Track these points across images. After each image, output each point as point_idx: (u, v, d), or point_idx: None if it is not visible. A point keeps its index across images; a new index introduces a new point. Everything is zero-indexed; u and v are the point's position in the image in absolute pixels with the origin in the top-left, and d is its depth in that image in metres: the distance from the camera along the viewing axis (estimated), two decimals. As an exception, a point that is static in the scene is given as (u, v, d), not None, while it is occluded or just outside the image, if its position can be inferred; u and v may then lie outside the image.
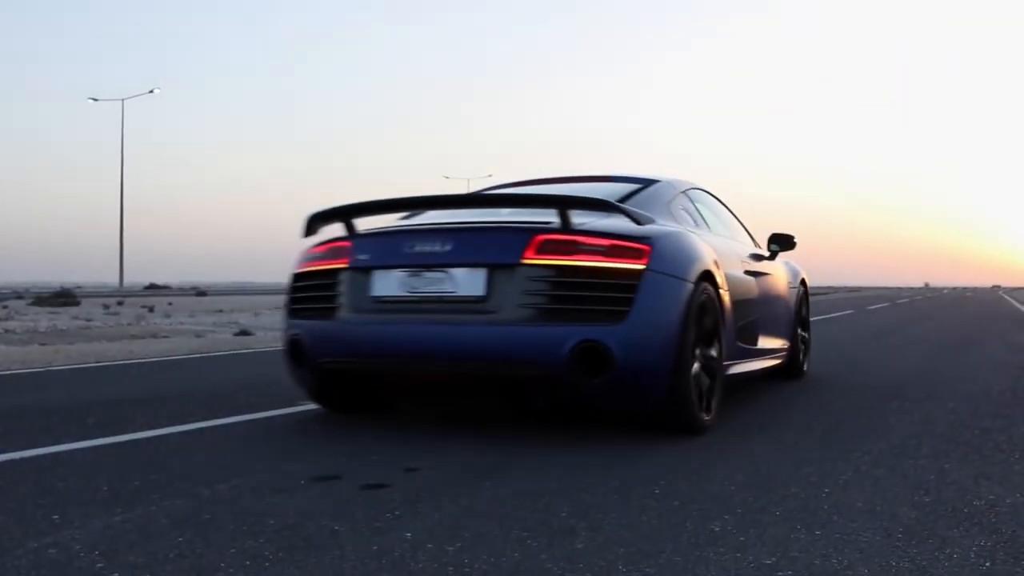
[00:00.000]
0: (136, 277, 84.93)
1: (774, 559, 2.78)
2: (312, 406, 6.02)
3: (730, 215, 7.33)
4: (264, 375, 8.34)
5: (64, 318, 22.57)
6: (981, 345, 12.57)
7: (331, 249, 5.31)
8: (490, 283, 4.72)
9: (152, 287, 70.48)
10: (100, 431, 5.14)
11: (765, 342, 6.68)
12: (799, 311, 8.02)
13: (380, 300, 5.01)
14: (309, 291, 5.38)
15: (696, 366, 4.98)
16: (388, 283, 5.00)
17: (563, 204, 4.76)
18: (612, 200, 5.06)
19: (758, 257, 7.01)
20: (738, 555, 2.82)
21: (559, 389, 4.71)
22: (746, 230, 7.54)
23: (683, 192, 6.25)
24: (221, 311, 28.26)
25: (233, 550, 2.88)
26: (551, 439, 4.90)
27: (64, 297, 34.70)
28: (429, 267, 4.87)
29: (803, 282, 8.32)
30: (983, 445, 4.73)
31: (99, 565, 2.75)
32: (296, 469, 4.10)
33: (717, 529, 3.11)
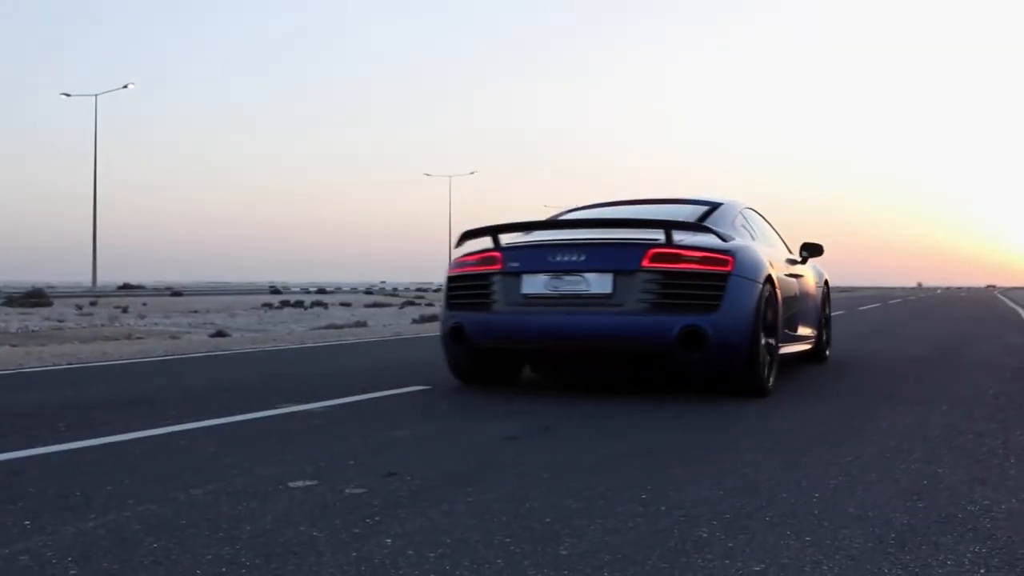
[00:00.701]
0: (110, 277, 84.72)
1: (763, 566, 2.79)
2: (289, 409, 6.02)
3: (771, 228, 9.06)
4: (240, 377, 8.33)
5: (36, 319, 22.52)
6: (976, 346, 12.62)
7: (484, 258, 7.12)
8: (616, 284, 6.57)
9: (126, 287, 70.33)
10: (73, 434, 5.12)
11: (802, 330, 8.67)
12: (824, 306, 10.10)
13: (528, 297, 6.84)
14: (466, 289, 7.20)
15: (762, 346, 6.77)
16: (535, 284, 6.82)
17: (668, 226, 6.65)
18: (700, 222, 7.13)
19: (793, 262, 8.77)
20: (726, 562, 2.83)
21: (668, 361, 6.58)
22: (782, 240, 9.24)
23: (740, 211, 8.05)
24: (196, 312, 28.22)
25: (209, 557, 2.88)
26: (534, 443, 4.92)
27: (36, 297, 34.61)
28: (568, 272, 6.70)
29: (826, 283, 10.45)
30: (977, 449, 4.75)
31: (72, 572, 2.74)
32: (273, 473, 4.10)
33: (704, 535, 3.11)
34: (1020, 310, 28.64)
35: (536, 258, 6.91)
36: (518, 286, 6.89)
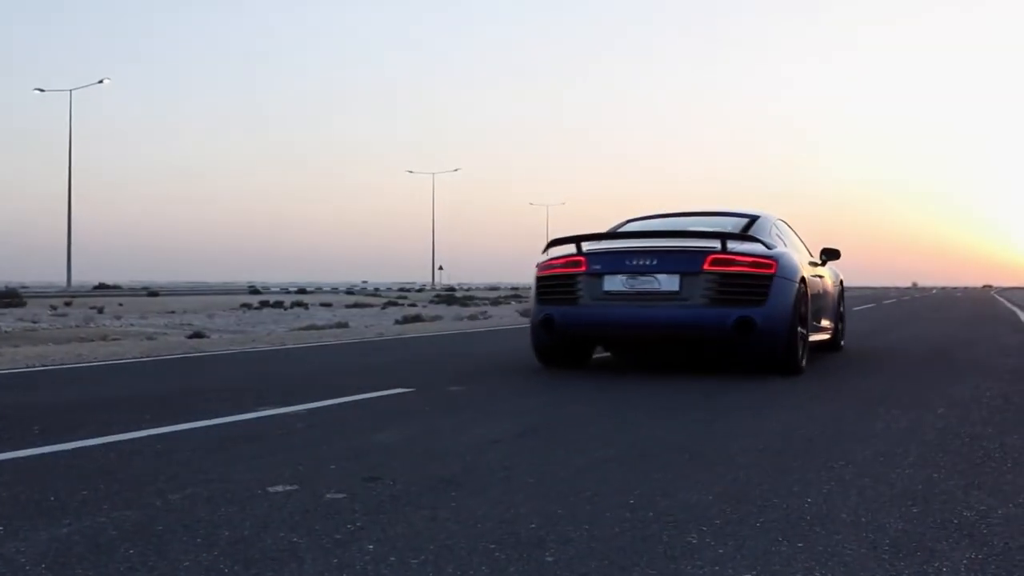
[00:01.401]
0: (85, 277, 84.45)
1: (754, 573, 2.80)
2: (268, 412, 6.01)
3: (796, 236, 10.85)
4: (218, 380, 8.31)
5: (8, 319, 22.43)
6: (972, 347, 12.64)
7: (570, 261, 8.95)
8: (682, 283, 8.42)
9: (101, 287, 70.10)
10: (47, 438, 5.10)
11: (823, 323, 10.69)
12: (839, 303, 12.19)
13: (609, 293, 8.70)
14: (555, 287, 9.03)
15: (798, 333, 8.63)
16: (615, 283, 8.68)
17: (722, 236, 8.57)
18: (746, 233, 9.09)
19: (815, 264, 10.56)
20: (716, 568, 2.83)
21: (724, 345, 8.54)
22: (804, 246, 10.94)
23: (774, 223, 10.03)
24: (173, 312, 28.15)
25: (187, 563, 2.88)
26: (520, 446, 4.93)
27: (9, 297, 34.43)
28: (642, 273, 8.55)
29: (841, 282, 12.49)
30: (973, 453, 4.76)
31: (44, 580, 2.73)
32: (252, 478, 4.09)
33: (694, 541, 3.12)
34: (1019, 311, 28.65)
35: (615, 262, 8.73)
36: (600, 285, 8.75)
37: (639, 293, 8.56)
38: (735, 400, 6.79)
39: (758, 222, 9.67)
